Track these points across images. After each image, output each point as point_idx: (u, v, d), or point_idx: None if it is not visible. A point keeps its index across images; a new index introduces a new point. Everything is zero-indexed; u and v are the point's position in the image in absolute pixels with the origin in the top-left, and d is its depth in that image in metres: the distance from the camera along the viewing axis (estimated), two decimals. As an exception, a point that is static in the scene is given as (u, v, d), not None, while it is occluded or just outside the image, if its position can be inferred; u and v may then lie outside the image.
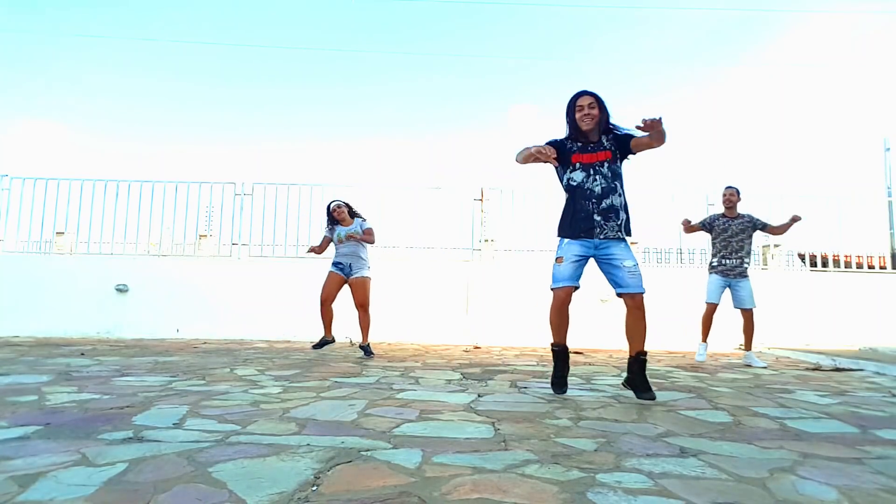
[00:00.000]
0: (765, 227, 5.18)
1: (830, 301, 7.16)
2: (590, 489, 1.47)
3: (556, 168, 3.01)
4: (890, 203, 8.56)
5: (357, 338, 5.30)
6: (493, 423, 2.26)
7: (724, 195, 5.23)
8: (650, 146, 2.86)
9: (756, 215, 5.26)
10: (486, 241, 7.42)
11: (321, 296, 5.07)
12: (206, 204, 7.50)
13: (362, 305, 5.06)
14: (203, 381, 3.28)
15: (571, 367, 4.40)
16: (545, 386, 3.36)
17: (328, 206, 5.26)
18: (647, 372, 2.93)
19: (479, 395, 2.96)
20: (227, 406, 2.53)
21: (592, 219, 2.88)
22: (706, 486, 1.51)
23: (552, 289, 2.97)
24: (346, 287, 5.13)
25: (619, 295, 2.92)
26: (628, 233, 2.94)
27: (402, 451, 1.81)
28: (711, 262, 5.26)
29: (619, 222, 2.89)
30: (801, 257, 7.95)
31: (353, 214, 5.24)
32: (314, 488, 1.44)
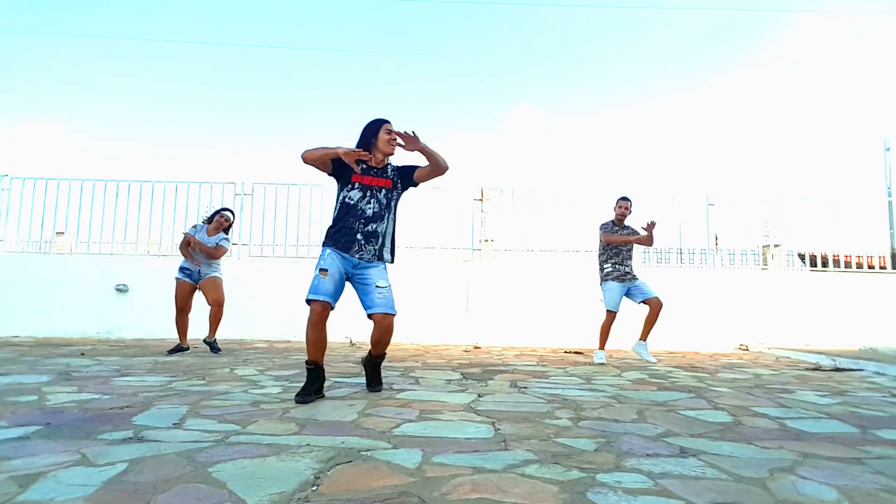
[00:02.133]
0: (640, 238, 5.14)
1: (830, 301, 7.17)
2: (590, 489, 1.47)
3: (338, 180, 3.01)
4: (890, 203, 8.56)
5: (357, 338, 5.30)
6: (493, 423, 2.26)
7: (620, 206, 5.22)
8: (434, 174, 2.97)
9: (635, 226, 5.28)
10: (486, 241, 7.42)
11: (178, 305, 5.07)
12: (206, 204, 7.49)
13: (217, 302, 5.09)
14: (203, 381, 3.28)
15: (572, 368, 4.40)
16: (545, 386, 3.36)
17: (219, 209, 5.26)
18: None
19: (479, 395, 2.96)
20: (227, 406, 2.53)
21: (355, 238, 2.89)
22: (706, 486, 1.51)
23: (307, 300, 2.78)
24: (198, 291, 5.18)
25: (368, 316, 2.92)
26: (387, 259, 2.99)
27: (402, 451, 1.81)
28: (605, 269, 5.17)
29: (376, 247, 2.93)
30: (801, 257, 7.95)
31: (227, 229, 5.23)
32: (314, 488, 1.44)
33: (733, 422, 2.40)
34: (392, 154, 3.02)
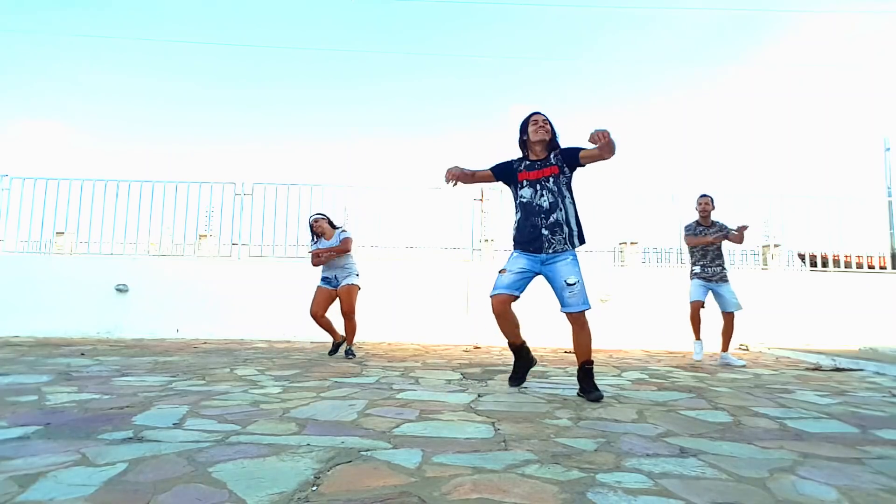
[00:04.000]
0: (727, 236, 5.21)
1: (830, 301, 7.16)
2: (590, 489, 1.47)
3: (508, 184, 3.19)
4: (890, 203, 8.56)
5: (356, 337, 5.29)
6: (493, 423, 2.26)
7: (700, 204, 5.27)
8: (601, 157, 2.92)
9: (726, 223, 5.31)
10: (486, 241, 7.42)
11: (311, 311, 5.03)
12: (206, 204, 7.50)
13: (347, 314, 5.01)
14: (203, 381, 3.28)
15: (571, 368, 4.40)
16: (545, 386, 3.36)
17: (308, 222, 5.21)
18: (594, 376, 3.03)
19: (479, 395, 2.96)
20: (227, 406, 2.53)
21: (541, 234, 2.96)
22: (706, 486, 1.51)
23: (490, 296, 3.05)
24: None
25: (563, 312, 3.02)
26: (581, 242, 3.02)
27: (402, 451, 1.81)
28: (693, 270, 5.29)
29: (564, 235, 2.96)
30: (801, 257, 7.95)
31: (332, 225, 5.21)
32: (314, 488, 1.44)
33: (733, 422, 2.40)
34: (545, 139, 3.02)
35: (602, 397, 2.87)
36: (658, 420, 2.40)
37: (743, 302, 5.27)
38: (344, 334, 5.08)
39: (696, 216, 5.39)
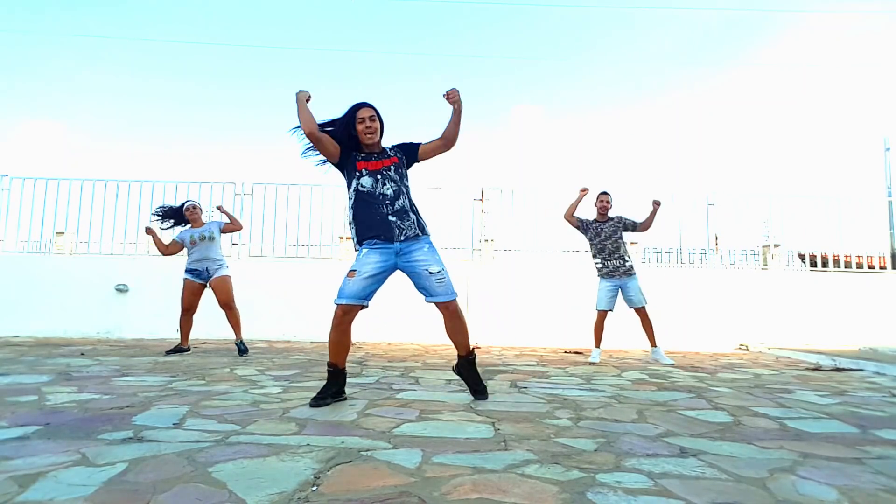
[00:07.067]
0: (635, 226, 5.20)
1: (830, 301, 7.16)
2: (590, 489, 1.47)
3: (343, 174, 2.89)
4: (890, 203, 8.56)
5: (355, 337, 5.29)
6: (493, 423, 2.26)
7: (600, 201, 5.25)
8: (443, 148, 2.86)
9: (626, 215, 5.29)
10: (486, 241, 7.42)
11: (182, 305, 5.01)
12: (206, 204, 7.49)
13: (227, 304, 5.02)
14: (203, 381, 3.28)
15: (572, 367, 4.40)
16: (545, 386, 3.36)
17: (185, 206, 5.17)
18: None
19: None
20: (227, 406, 2.53)
21: (388, 221, 2.73)
22: (706, 486, 1.51)
23: (335, 303, 2.68)
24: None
25: (433, 303, 2.80)
26: (425, 232, 2.83)
27: (402, 451, 1.81)
28: (597, 267, 5.25)
29: (412, 221, 2.78)
30: (801, 257, 7.95)
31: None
32: (314, 488, 1.44)
33: (733, 422, 2.40)
34: (373, 140, 2.81)
35: (487, 396, 2.81)
36: (658, 420, 2.40)
37: (653, 298, 5.24)
38: (184, 338, 5.06)
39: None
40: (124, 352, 5.03)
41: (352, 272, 2.69)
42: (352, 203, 2.82)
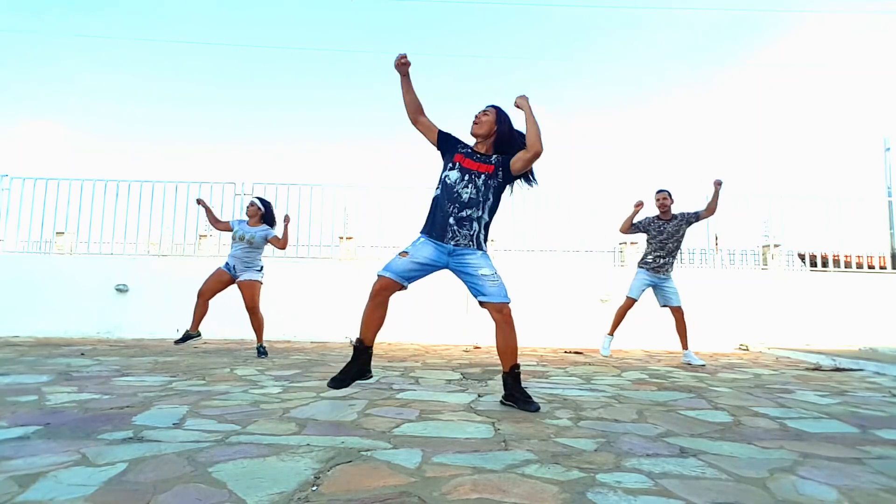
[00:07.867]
0: (698, 216, 5.18)
1: (830, 301, 7.16)
2: (590, 489, 1.47)
3: (442, 157, 2.85)
4: (890, 203, 8.56)
5: (351, 335, 5.29)
6: (493, 423, 2.26)
7: (658, 199, 5.23)
8: (528, 156, 2.68)
9: (686, 210, 5.29)
10: (487, 241, 7.41)
11: (200, 288, 5.02)
12: (218, 204, 7.50)
13: (251, 309, 5.02)
14: (203, 381, 3.28)
15: (572, 367, 4.40)
16: (545, 386, 3.36)
17: (269, 204, 5.33)
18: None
19: (479, 395, 2.96)
20: (227, 406, 2.53)
21: (448, 224, 2.70)
22: (706, 486, 1.51)
23: (378, 274, 2.66)
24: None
25: (481, 304, 2.75)
26: (482, 249, 2.77)
27: (402, 451, 1.81)
28: (645, 259, 5.26)
29: (471, 233, 2.72)
30: (801, 257, 7.95)
31: (268, 221, 5.21)
32: (314, 488, 1.44)
33: (733, 422, 2.40)
34: (481, 134, 2.76)
35: (539, 408, 2.59)
36: (658, 420, 2.40)
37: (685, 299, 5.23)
38: (195, 323, 5.05)
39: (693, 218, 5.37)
40: (124, 352, 5.03)
41: (404, 253, 2.69)
42: (436, 191, 2.82)
